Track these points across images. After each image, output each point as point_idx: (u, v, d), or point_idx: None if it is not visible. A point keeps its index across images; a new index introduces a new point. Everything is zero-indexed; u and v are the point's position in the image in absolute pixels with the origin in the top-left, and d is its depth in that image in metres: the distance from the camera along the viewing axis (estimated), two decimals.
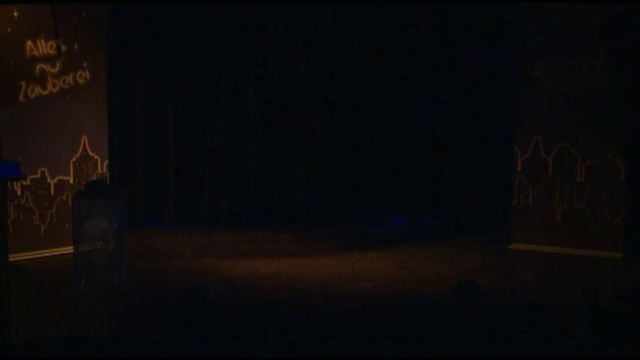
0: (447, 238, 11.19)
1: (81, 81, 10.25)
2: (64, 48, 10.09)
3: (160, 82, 11.58)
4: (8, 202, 9.73)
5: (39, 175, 10.07)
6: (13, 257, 9.65)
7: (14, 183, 9.79)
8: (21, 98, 9.90)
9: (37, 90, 9.98)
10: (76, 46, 10.17)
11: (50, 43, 10.02)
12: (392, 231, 11.59)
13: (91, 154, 10.38)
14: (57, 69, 10.07)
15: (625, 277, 9.59)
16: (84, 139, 10.33)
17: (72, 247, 9.18)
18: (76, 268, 9.04)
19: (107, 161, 10.51)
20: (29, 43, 9.91)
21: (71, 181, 10.28)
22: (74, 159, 10.29)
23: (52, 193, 10.17)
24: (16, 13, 9.77)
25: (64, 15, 10.05)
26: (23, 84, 9.90)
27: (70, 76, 10.17)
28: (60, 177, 10.22)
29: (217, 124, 11.74)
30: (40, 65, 9.98)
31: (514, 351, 7.08)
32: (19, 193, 9.94)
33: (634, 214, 10.38)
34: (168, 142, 11.66)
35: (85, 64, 10.25)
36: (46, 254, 10.09)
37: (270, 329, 7.67)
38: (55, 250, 10.16)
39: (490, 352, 7.00)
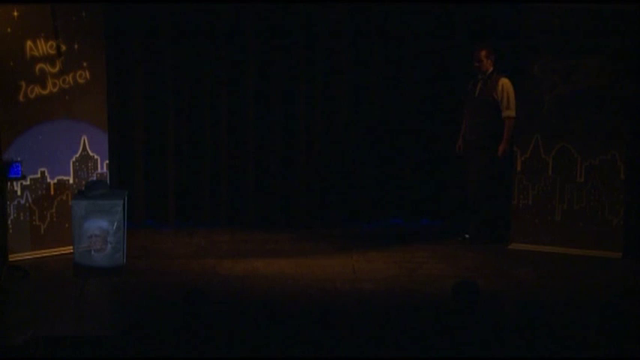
0: (447, 238, 11.18)
1: (81, 81, 10.25)
2: (64, 48, 10.09)
3: (160, 82, 11.55)
4: (8, 202, 9.76)
5: (39, 175, 10.07)
6: (13, 257, 9.66)
7: (14, 183, 9.79)
8: (21, 98, 9.90)
9: (37, 90, 9.98)
10: (76, 46, 10.17)
11: (50, 43, 10.02)
12: (392, 231, 11.58)
13: (90, 154, 10.38)
14: (57, 69, 10.08)
15: (625, 276, 9.60)
16: (84, 139, 10.32)
17: (72, 247, 9.19)
18: (76, 268, 9.04)
19: (107, 161, 10.50)
20: (29, 43, 9.90)
21: (71, 181, 10.28)
22: (74, 159, 10.29)
23: (52, 193, 10.17)
24: (16, 13, 9.77)
25: (64, 15, 10.05)
26: (23, 84, 9.90)
27: (70, 76, 10.17)
28: (60, 177, 10.22)
29: (217, 124, 11.73)
30: (40, 65, 9.98)
31: (514, 351, 7.08)
32: (19, 193, 9.94)
33: (634, 214, 10.38)
34: (168, 141, 11.65)
35: (85, 64, 10.24)
36: (46, 254, 10.08)
37: (269, 329, 7.68)
38: (55, 250, 10.15)
39: (490, 352, 7.00)
